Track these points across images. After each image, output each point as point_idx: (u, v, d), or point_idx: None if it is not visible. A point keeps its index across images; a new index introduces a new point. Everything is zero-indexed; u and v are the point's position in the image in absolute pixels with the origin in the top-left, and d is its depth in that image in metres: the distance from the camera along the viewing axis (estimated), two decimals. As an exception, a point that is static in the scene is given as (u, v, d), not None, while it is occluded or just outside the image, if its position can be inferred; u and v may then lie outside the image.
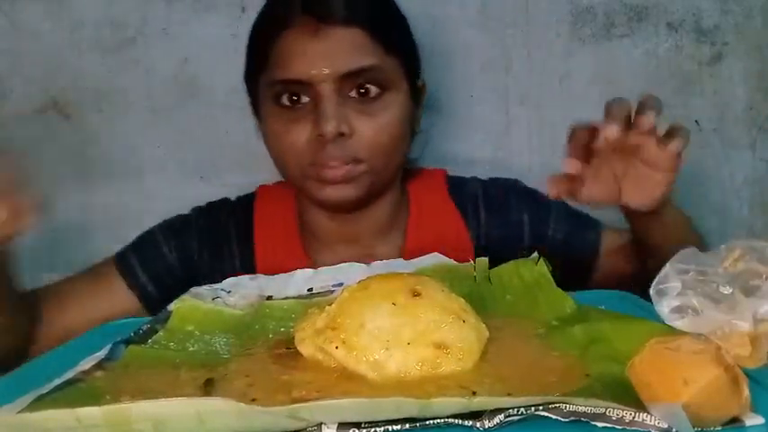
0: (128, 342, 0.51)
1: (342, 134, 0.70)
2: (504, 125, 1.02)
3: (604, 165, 0.64)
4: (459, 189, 0.84)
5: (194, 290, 0.61)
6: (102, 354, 0.49)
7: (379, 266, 0.66)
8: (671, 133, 0.60)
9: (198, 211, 0.85)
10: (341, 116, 0.70)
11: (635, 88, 1.02)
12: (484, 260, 0.64)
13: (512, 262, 0.64)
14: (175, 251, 0.81)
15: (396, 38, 0.75)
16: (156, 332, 0.53)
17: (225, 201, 0.86)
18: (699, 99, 1.02)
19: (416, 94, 0.79)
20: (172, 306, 0.56)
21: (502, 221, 0.82)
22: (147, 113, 0.98)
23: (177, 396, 0.36)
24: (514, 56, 1.00)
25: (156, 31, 0.97)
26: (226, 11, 0.98)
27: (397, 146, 0.74)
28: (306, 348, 0.45)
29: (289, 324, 0.53)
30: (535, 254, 0.63)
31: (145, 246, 0.81)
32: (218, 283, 0.64)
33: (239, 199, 0.86)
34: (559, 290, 0.57)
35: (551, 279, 0.59)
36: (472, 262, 0.65)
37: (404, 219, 0.81)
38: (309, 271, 0.67)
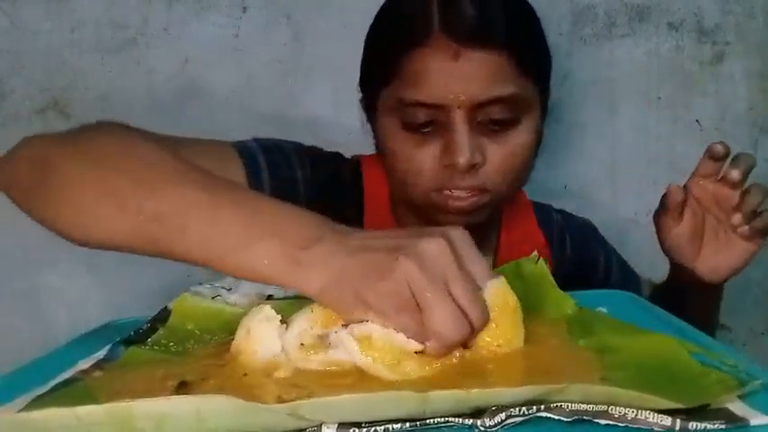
0: (128, 342, 0.50)
1: (474, 165, 0.66)
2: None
3: (694, 222, 0.70)
4: (547, 218, 0.83)
5: (194, 288, 0.61)
6: (101, 354, 0.48)
7: None
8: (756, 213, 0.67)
9: (325, 153, 0.78)
10: (474, 146, 0.65)
11: (636, 88, 1.03)
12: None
13: (512, 262, 0.63)
14: (309, 183, 0.74)
15: (536, 61, 0.70)
16: (157, 331, 0.53)
17: (341, 156, 0.80)
18: (700, 99, 1.02)
19: (546, 106, 0.75)
20: (171, 305, 0.56)
21: (583, 259, 0.83)
22: (147, 113, 0.98)
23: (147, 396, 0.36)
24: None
25: (157, 32, 0.97)
26: (226, 11, 0.98)
27: (524, 173, 0.71)
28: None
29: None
30: (535, 253, 0.62)
31: (275, 154, 0.73)
32: None
33: (350, 161, 0.80)
34: (560, 291, 0.57)
35: (552, 279, 0.59)
36: None
37: (495, 237, 0.80)
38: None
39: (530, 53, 0.68)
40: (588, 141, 1.03)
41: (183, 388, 0.40)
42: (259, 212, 0.46)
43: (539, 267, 0.60)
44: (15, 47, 0.96)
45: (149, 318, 0.55)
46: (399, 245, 0.42)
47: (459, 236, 0.43)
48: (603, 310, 0.54)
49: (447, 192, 0.68)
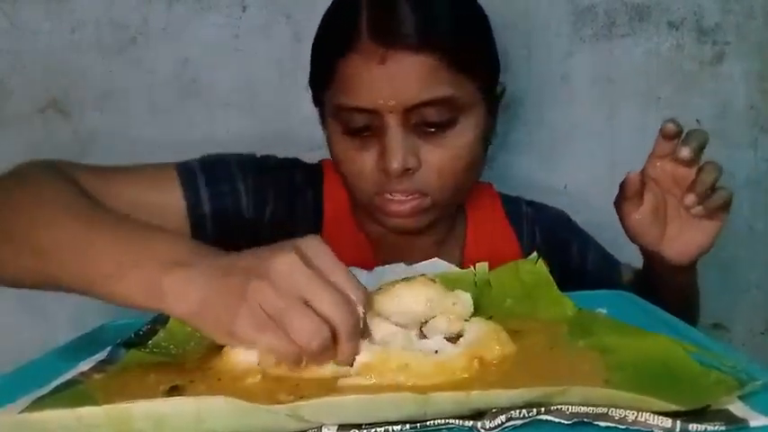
0: (128, 344, 0.51)
1: (408, 169, 0.66)
2: (505, 125, 1.02)
3: (655, 205, 0.69)
4: (515, 210, 0.83)
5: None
6: (101, 356, 0.49)
7: (380, 272, 0.65)
8: (713, 192, 0.64)
9: (276, 160, 0.79)
10: (407, 150, 0.65)
11: (636, 88, 1.03)
12: (484, 265, 0.64)
13: (511, 263, 0.63)
14: (252, 192, 0.74)
15: (475, 58, 0.68)
16: (157, 333, 0.53)
17: (298, 161, 0.80)
18: (700, 99, 1.02)
19: (494, 103, 0.73)
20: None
21: (554, 249, 0.81)
22: (147, 113, 0.98)
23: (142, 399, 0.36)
24: (514, 56, 1.00)
25: (157, 31, 0.97)
26: (226, 11, 0.98)
27: (468, 173, 0.70)
28: None
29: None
30: (534, 254, 0.62)
31: (216, 169, 0.73)
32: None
33: (309, 166, 0.80)
34: (559, 292, 0.57)
35: (551, 280, 0.59)
36: (473, 268, 0.64)
37: (461, 233, 0.79)
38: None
39: (468, 53, 0.66)
40: (588, 141, 1.03)
41: (174, 391, 0.40)
42: (129, 241, 0.47)
43: (538, 268, 0.60)
44: (15, 47, 0.96)
45: (147, 320, 0.55)
46: (251, 267, 0.42)
47: (314, 246, 0.43)
48: (603, 311, 0.54)
49: (387, 195, 0.68)
